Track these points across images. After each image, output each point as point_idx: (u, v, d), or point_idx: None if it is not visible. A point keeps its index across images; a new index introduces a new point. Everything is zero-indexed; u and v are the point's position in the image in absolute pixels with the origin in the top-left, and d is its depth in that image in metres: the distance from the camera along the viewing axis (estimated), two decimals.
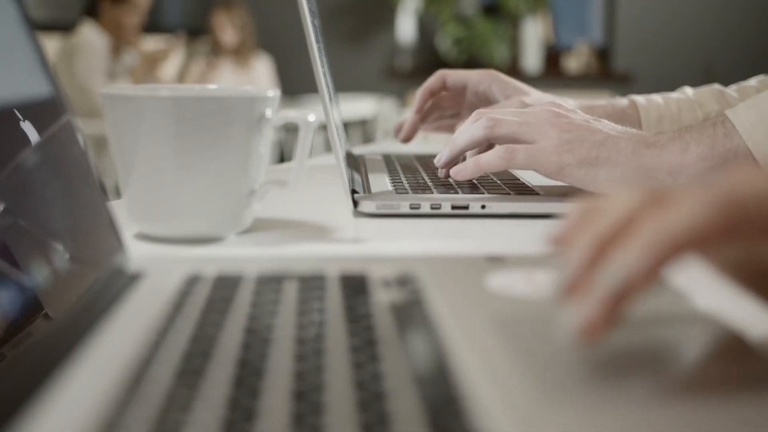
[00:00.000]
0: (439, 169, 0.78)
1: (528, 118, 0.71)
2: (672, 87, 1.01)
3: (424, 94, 0.99)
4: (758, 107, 0.68)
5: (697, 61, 4.75)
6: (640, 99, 0.92)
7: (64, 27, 3.31)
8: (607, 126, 0.71)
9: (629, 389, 0.30)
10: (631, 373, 0.31)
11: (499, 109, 0.76)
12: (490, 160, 0.71)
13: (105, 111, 0.59)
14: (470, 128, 0.73)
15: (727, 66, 4.63)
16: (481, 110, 0.75)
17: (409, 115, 1.01)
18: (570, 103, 0.87)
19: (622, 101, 0.92)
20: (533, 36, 4.91)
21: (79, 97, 2.95)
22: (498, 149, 0.71)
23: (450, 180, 0.77)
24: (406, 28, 4.99)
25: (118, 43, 3.21)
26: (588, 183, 0.69)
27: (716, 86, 0.92)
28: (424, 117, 1.00)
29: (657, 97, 0.92)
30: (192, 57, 4.11)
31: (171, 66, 3.78)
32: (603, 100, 0.95)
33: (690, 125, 0.71)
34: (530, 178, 0.82)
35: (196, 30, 4.17)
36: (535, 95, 0.92)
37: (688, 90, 0.93)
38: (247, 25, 3.99)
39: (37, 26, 0.43)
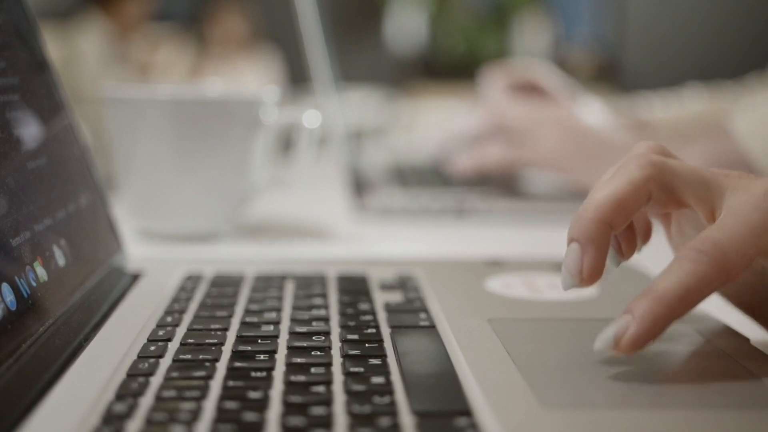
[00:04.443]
0: (430, 149, 0.85)
1: (531, 124, 0.74)
2: (675, 88, 1.01)
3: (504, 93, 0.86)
4: (755, 111, 0.68)
5: (702, 60, 4.75)
6: (654, 120, 0.91)
7: (63, 14, 3.27)
8: (606, 132, 0.73)
9: (629, 392, 0.30)
10: (631, 375, 0.31)
11: (508, 108, 0.78)
12: (495, 159, 0.76)
13: (106, 112, 0.59)
14: (475, 119, 0.79)
15: (732, 65, 4.62)
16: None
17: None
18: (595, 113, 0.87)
19: (639, 122, 0.91)
20: (535, 37, 4.91)
21: (73, 104, 2.94)
22: (503, 151, 0.75)
23: (450, 182, 0.78)
24: (404, 28, 5.00)
25: (123, 30, 3.20)
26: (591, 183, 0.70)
27: (727, 104, 0.90)
28: None
29: (672, 117, 0.91)
30: (198, 48, 4.08)
31: (177, 62, 3.77)
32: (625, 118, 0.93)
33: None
34: (531, 180, 0.82)
35: (200, 19, 4.13)
36: (567, 108, 0.87)
37: (697, 105, 0.91)
38: (254, 14, 3.97)
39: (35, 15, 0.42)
